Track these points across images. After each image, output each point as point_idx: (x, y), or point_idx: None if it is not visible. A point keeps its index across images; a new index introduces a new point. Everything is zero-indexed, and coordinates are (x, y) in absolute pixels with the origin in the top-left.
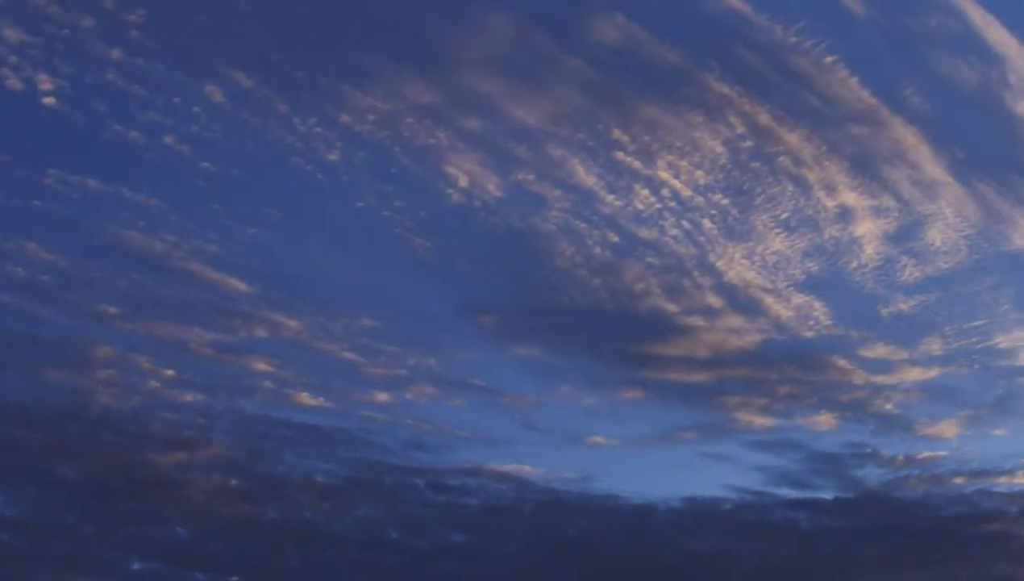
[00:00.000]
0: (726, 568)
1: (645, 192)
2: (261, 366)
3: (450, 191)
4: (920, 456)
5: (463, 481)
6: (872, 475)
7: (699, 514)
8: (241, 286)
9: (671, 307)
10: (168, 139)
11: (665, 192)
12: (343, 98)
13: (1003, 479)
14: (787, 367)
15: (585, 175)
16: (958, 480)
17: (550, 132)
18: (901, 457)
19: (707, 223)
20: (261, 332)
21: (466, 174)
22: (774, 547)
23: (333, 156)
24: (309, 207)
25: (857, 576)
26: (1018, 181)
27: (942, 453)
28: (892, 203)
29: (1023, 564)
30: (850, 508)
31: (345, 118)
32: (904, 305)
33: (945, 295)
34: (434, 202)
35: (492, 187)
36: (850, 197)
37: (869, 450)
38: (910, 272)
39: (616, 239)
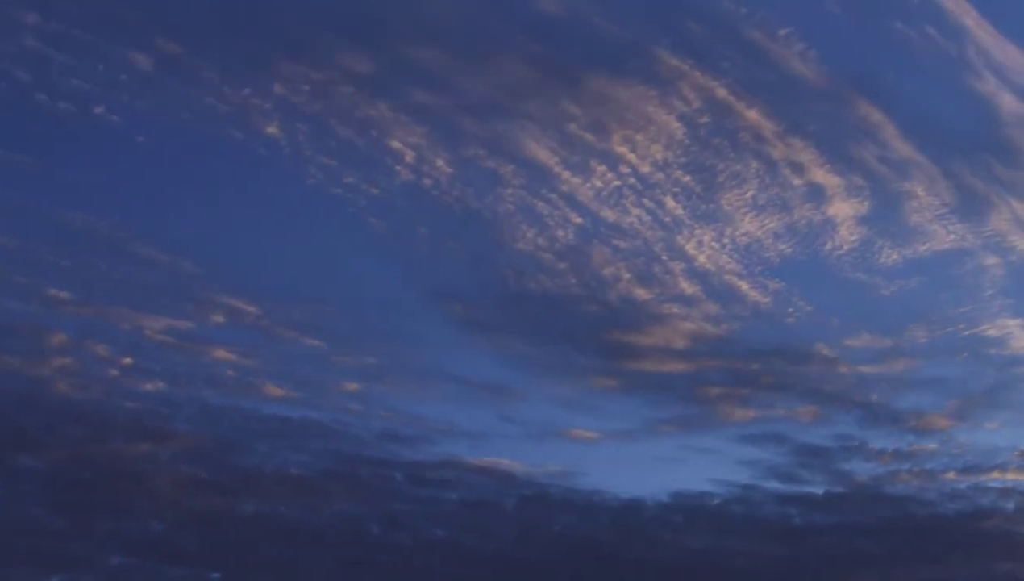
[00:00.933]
0: (717, 564)
1: (602, 168)
2: (222, 354)
3: (398, 168)
4: (909, 449)
5: (442, 475)
6: (861, 469)
7: (688, 509)
8: (193, 268)
9: (643, 294)
10: (98, 109)
11: (624, 169)
12: (273, 66)
13: (996, 474)
14: (768, 357)
15: (538, 149)
16: (950, 475)
17: (497, 105)
18: (890, 451)
19: (670, 202)
20: (218, 318)
21: (412, 149)
22: (766, 543)
23: (272, 129)
24: (255, 183)
25: (849, 572)
26: (990, 159)
27: (932, 446)
28: (863, 182)
29: (1020, 560)
30: (841, 503)
31: (279, 88)
32: (886, 290)
33: (927, 279)
34: (384, 179)
35: (441, 163)
36: (818, 175)
37: (856, 443)
38: (888, 254)
39: (579, 220)
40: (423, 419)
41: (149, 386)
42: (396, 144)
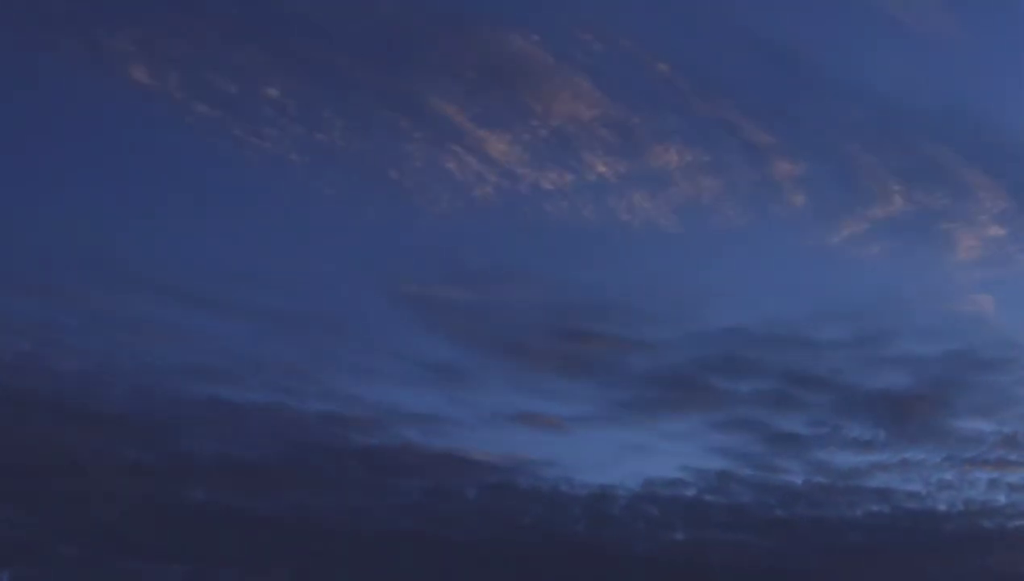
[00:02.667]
0: (698, 554)
1: (510, 118)
2: (159, 334)
3: (283, 119)
4: (888, 439)
5: (402, 462)
6: (838, 458)
7: (660, 498)
8: (105, 239)
9: (591, 274)
10: None
11: (534, 121)
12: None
13: (981, 464)
14: (729, 335)
15: (436, 101)
16: (933, 463)
17: (384, 53)
18: (868, 437)
19: (589, 156)
20: (144, 296)
21: (293, 98)
22: (741, 531)
23: (140, 75)
24: (131, 136)
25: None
26: (926, 119)
27: (911, 430)
28: (800, 145)
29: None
30: (820, 493)
31: (138, 31)
32: (846, 261)
33: (890, 247)
34: (277, 133)
35: (330, 114)
36: (750, 133)
37: (829, 429)
38: (841, 221)
39: (495, 179)
40: (377, 405)
41: (74, 365)
42: (273, 92)
